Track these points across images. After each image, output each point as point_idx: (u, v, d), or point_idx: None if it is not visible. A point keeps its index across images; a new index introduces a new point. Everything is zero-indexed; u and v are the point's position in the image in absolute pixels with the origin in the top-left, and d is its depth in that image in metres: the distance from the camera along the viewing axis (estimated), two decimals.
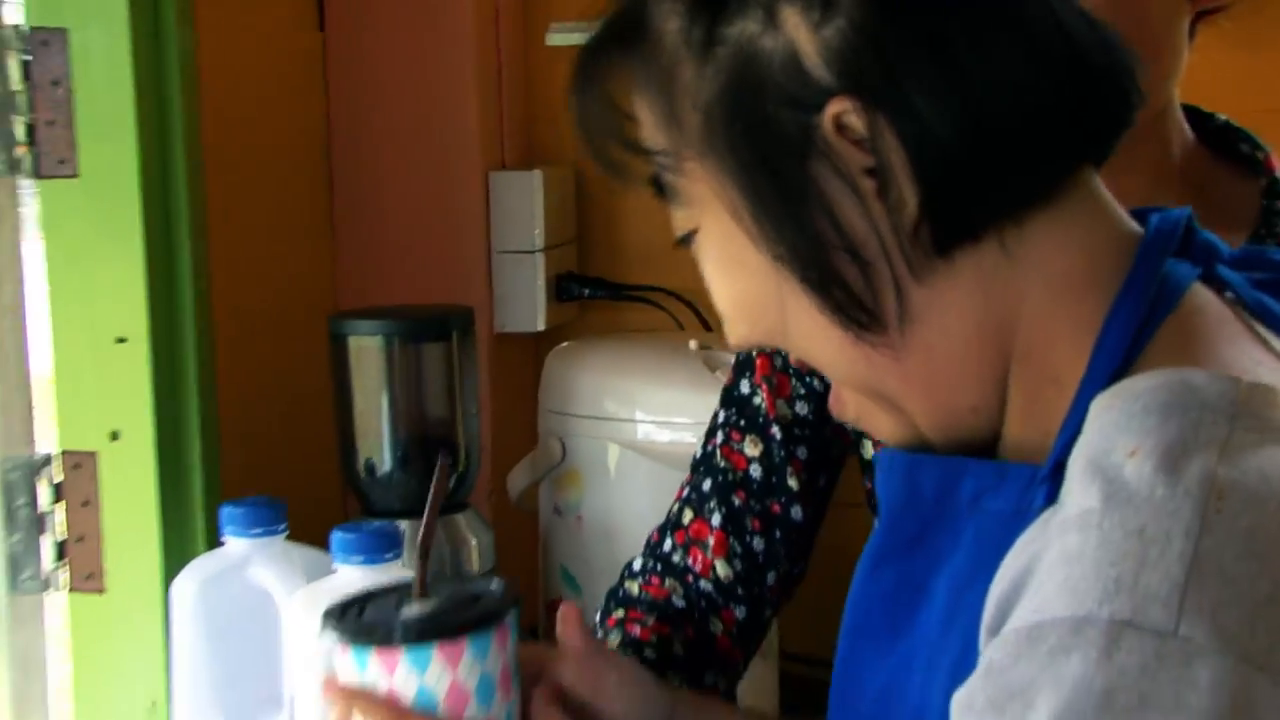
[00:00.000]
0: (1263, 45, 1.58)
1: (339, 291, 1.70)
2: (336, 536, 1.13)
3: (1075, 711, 0.56)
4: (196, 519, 1.33)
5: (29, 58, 1.23)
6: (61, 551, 1.32)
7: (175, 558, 1.30)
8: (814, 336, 0.73)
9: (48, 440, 1.33)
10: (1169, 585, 0.55)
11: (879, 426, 0.77)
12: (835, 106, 0.66)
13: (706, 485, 1.23)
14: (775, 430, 1.23)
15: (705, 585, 1.22)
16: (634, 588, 1.23)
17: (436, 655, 0.77)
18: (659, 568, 1.24)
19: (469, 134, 1.68)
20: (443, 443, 1.36)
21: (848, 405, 0.78)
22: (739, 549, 1.22)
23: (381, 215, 1.70)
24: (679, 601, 1.21)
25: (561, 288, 1.76)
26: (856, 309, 0.70)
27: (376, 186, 1.70)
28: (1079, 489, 0.61)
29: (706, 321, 1.70)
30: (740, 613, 1.22)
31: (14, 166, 1.25)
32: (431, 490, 0.85)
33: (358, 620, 0.79)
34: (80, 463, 1.29)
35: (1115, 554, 0.58)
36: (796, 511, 1.21)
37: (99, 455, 1.29)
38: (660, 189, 0.76)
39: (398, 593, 0.82)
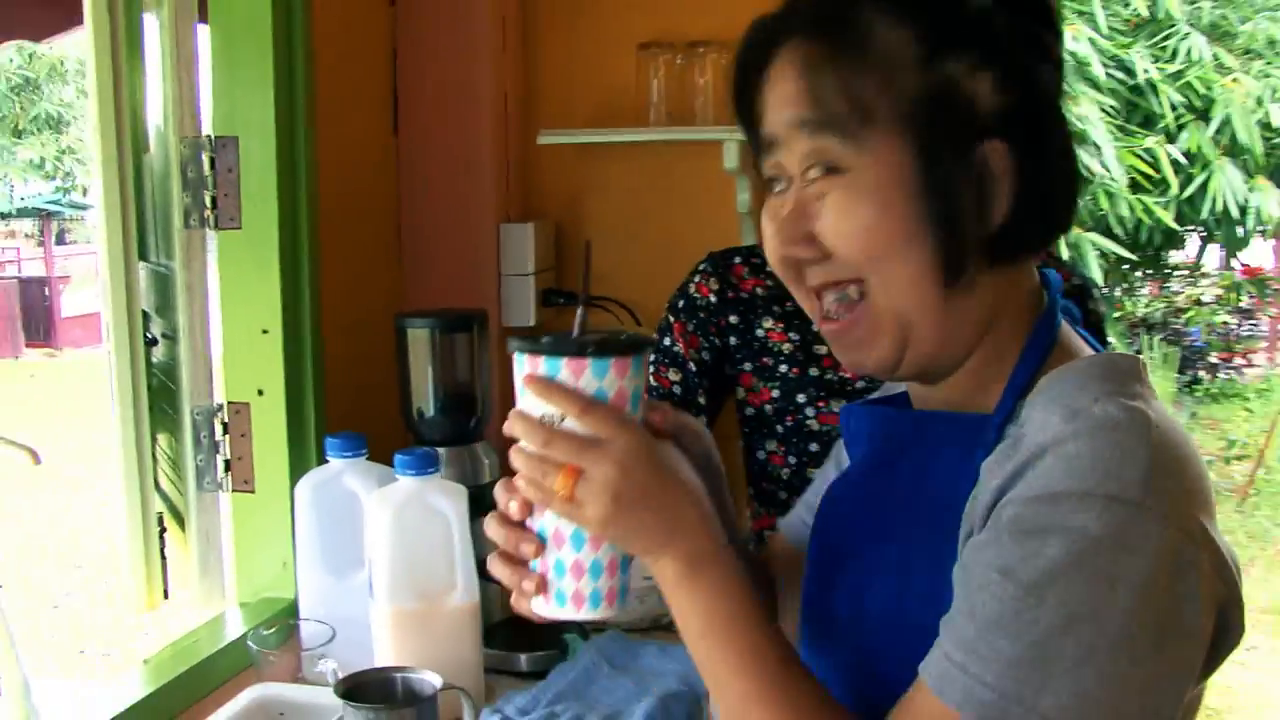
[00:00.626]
0: None
1: (403, 300, 2.28)
2: (397, 458, 1.64)
3: (1076, 550, 0.80)
4: (310, 445, 1.87)
5: (214, 155, 1.82)
6: (228, 466, 1.88)
7: (298, 470, 1.83)
8: (903, 271, 0.93)
9: (219, 394, 1.89)
10: (1140, 475, 0.81)
11: (874, 350, 0.97)
12: (991, 144, 0.91)
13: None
14: (691, 365, 1.68)
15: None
16: None
17: (612, 366, 0.93)
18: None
19: (488, 198, 2.30)
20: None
21: (857, 328, 0.97)
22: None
23: (433, 250, 2.29)
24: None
25: (546, 297, 2.37)
26: (954, 263, 0.92)
27: (430, 231, 2.30)
28: (1059, 422, 0.85)
29: (638, 319, 2.30)
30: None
31: (204, 223, 1.83)
32: (584, 262, 1.02)
33: (550, 343, 0.94)
34: (240, 409, 1.87)
35: (1103, 454, 0.82)
36: (704, 420, 1.63)
37: (251, 405, 1.86)
38: (834, 126, 0.92)
39: (564, 335, 0.96)
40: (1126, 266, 7.08)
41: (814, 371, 1.68)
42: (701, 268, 1.79)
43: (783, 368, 1.69)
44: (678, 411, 1.02)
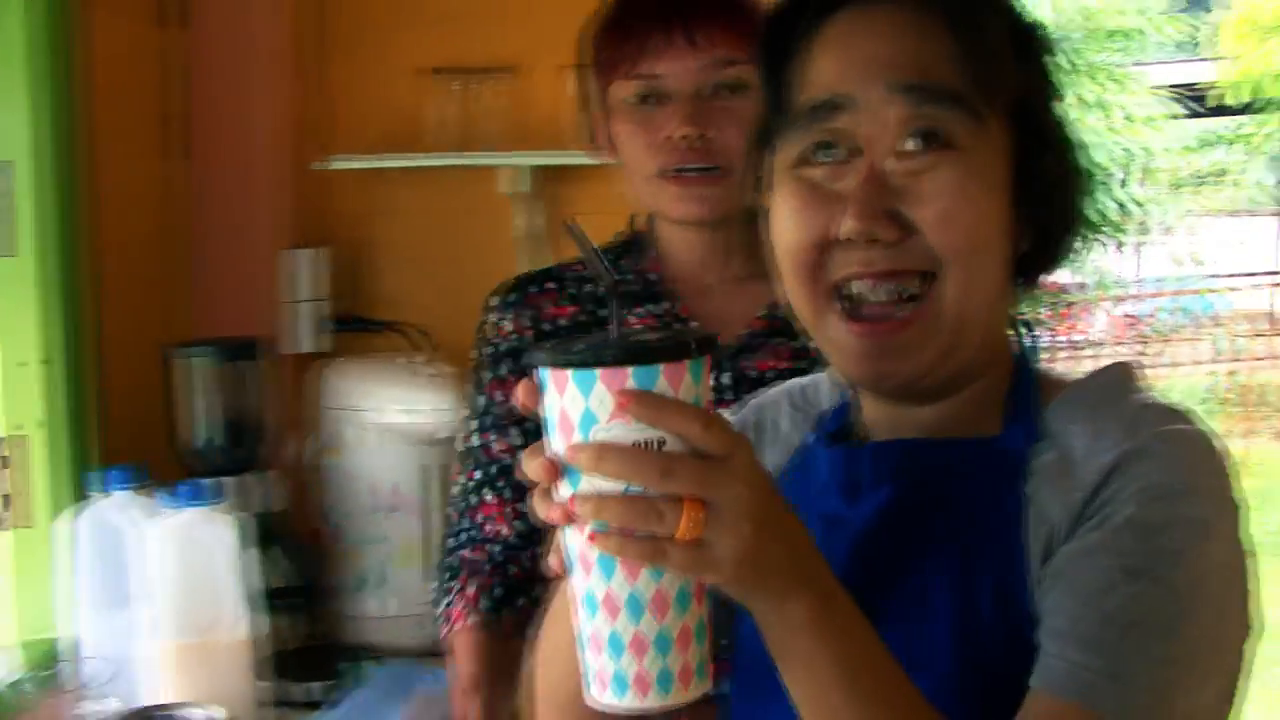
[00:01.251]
0: None
1: (189, 328, 2.20)
2: (170, 491, 1.65)
3: (1201, 544, 0.81)
4: (91, 479, 1.78)
5: None
6: (7, 502, 1.83)
7: (79, 505, 1.77)
8: (992, 268, 0.89)
9: None
10: (1226, 471, 0.85)
11: (919, 355, 0.89)
12: (1050, 155, 0.91)
13: (481, 474, 1.54)
14: (513, 429, 1.53)
15: (513, 541, 1.53)
16: (465, 554, 1.55)
17: (705, 366, 0.74)
18: (473, 538, 1.55)
19: (270, 224, 2.29)
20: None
21: (913, 327, 0.88)
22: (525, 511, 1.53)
23: (219, 277, 2.25)
24: (489, 563, 1.54)
25: (338, 323, 2.35)
26: (1026, 261, 0.91)
27: (216, 258, 2.25)
28: (1120, 431, 0.84)
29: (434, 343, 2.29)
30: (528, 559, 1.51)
31: None
32: (582, 242, 0.82)
33: (625, 349, 0.74)
34: (19, 442, 1.81)
35: (1197, 453, 0.85)
36: None
37: (29, 437, 1.82)
38: (956, 100, 0.86)
39: (607, 339, 0.77)
40: None
41: None
42: (494, 304, 1.59)
43: None
44: None
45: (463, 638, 1.51)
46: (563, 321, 1.53)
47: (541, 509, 0.75)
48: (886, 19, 0.88)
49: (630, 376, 0.72)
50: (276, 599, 1.90)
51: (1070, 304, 10.45)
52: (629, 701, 0.76)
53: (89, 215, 1.85)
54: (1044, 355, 0.96)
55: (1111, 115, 7.33)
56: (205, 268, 2.26)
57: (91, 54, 1.85)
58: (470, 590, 1.52)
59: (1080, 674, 0.79)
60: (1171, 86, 8.99)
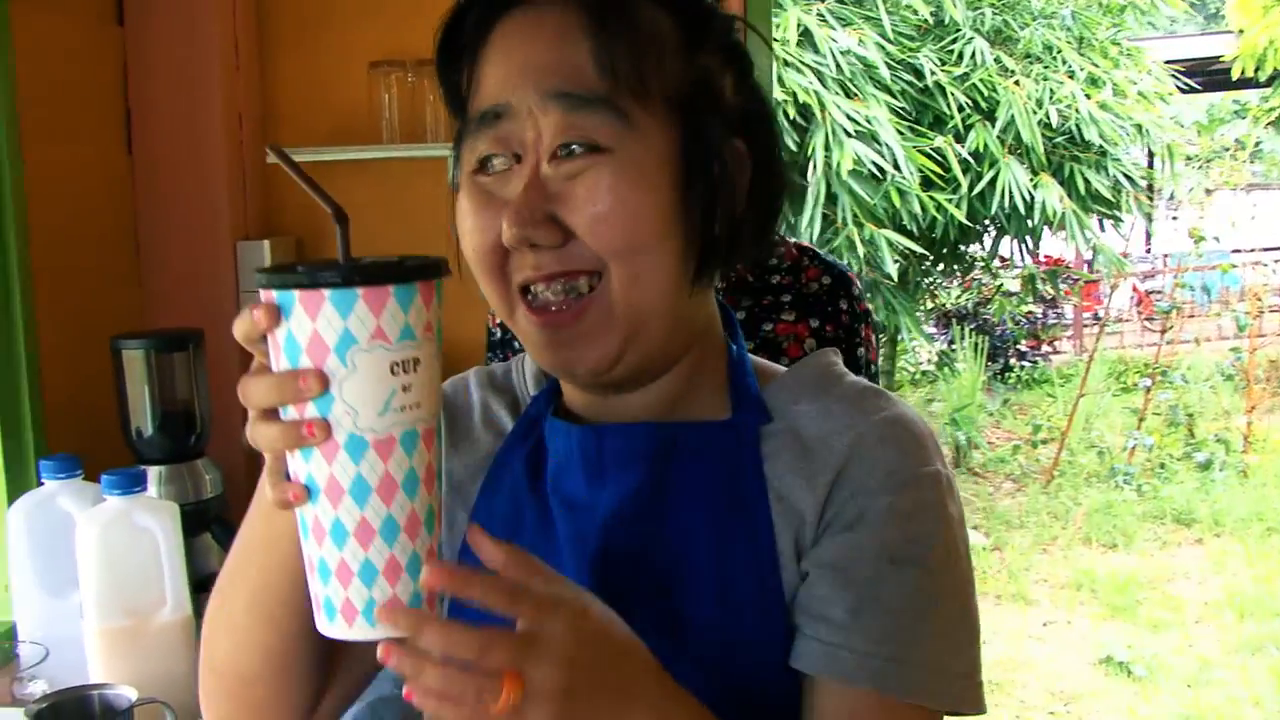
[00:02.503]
0: None
1: (143, 319, 2.29)
2: (104, 477, 1.64)
3: (944, 522, 0.89)
4: (30, 468, 1.89)
5: None
6: None
7: (14, 493, 1.85)
8: (662, 262, 0.88)
9: None
10: (936, 441, 0.94)
11: (597, 346, 0.90)
12: (736, 141, 0.92)
13: None
14: None
15: None
16: None
17: (418, 293, 0.73)
18: None
19: (222, 216, 2.34)
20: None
21: (584, 321, 0.89)
22: None
23: (171, 269, 2.32)
24: None
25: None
26: (699, 259, 0.90)
27: (168, 250, 2.33)
28: (847, 411, 0.92)
29: None
30: None
31: None
32: (297, 175, 0.79)
33: (328, 271, 0.72)
34: None
35: (918, 434, 0.92)
36: None
37: None
38: (601, 103, 0.86)
39: (326, 261, 0.76)
40: (929, 261, 7.34)
41: None
42: None
43: None
44: None
45: None
46: None
47: (276, 433, 0.73)
48: (541, 24, 0.88)
49: (391, 295, 0.72)
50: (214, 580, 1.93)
51: (1090, 281, 10.42)
52: (380, 632, 0.74)
53: (19, 207, 1.89)
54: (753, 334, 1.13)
55: (1123, 91, 7.28)
56: (157, 260, 2.32)
57: (16, 53, 1.87)
58: None
59: (869, 663, 0.86)
60: (1183, 61, 8.95)
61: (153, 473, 1.86)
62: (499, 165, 0.90)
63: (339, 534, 0.73)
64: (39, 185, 1.95)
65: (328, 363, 0.72)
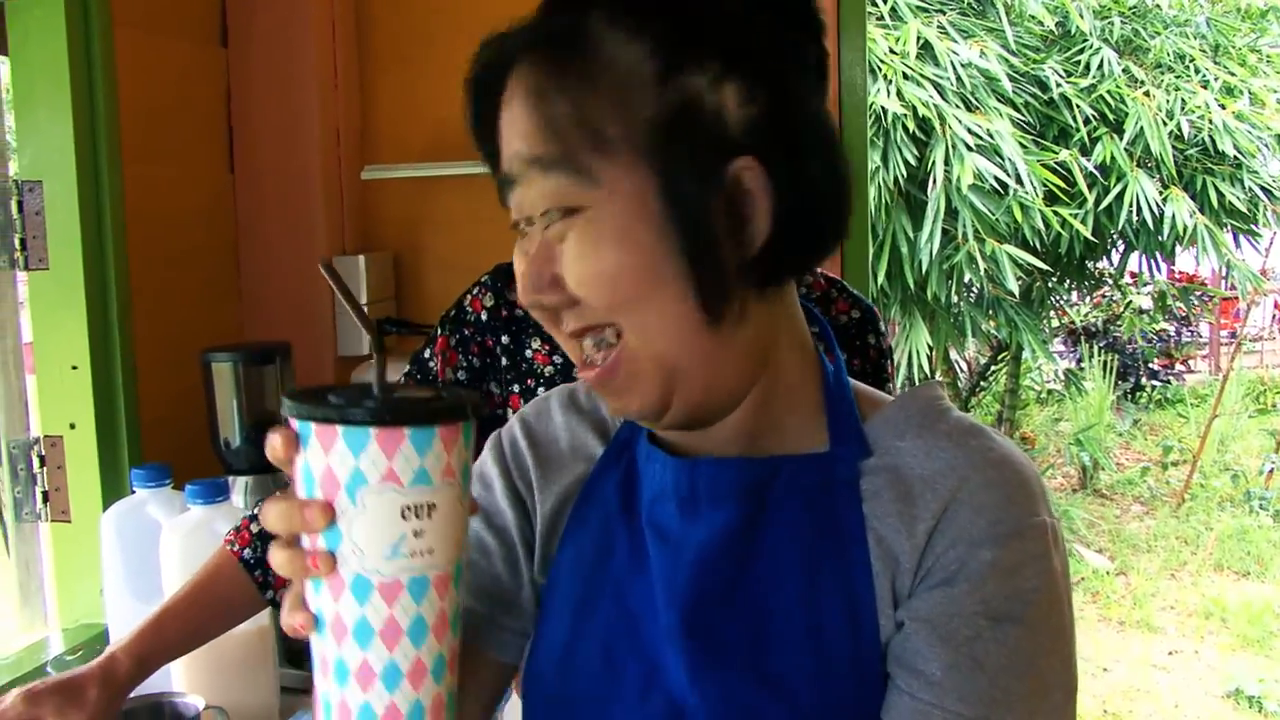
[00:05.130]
0: None
1: (240, 333, 2.34)
2: (188, 487, 1.69)
3: (1048, 578, 0.83)
4: (123, 476, 1.94)
5: (21, 198, 1.89)
6: (46, 497, 1.95)
7: (111, 500, 1.89)
8: (660, 313, 0.84)
9: (36, 428, 1.96)
10: (1042, 487, 0.87)
11: (636, 396, 0.87)
12: (741, 162, 0.82)
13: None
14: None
15: None
16: None
17: (438, 436, 0.71)
18: None
19: (319, 233, 2.38)
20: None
21: (618, 374, 0.86)
22: None
23: (270, 284, 2.37)
24: None
25: (381, 327, 2.40)
26: (708, 301, 0.83)
27: (267, 266, 2.37)
28: (951, 449, 0.86)
29: None
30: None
31: (14, 264, 1.90)
32: (343, 294, 0.82)
33: (344, 404, 0.71)
34: (54, 442, 1.94)
35: (1025, 479, 0.85)
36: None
37: (64, 438, 1.94)
38: (561, 165, 0.82)
39: (359, 387, 0.75)
40: (1054, 278, 7.16)
41: None
42: (483, 280, 1.67)
43: (541, 390, 1.55)
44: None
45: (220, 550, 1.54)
46: (519, 311, 1.59)
47: (285, 559, 0.73)
48: (524, 82, 0.85)
49: (407, 438, 0.70)
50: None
51: (1228, 298, 10.08)
52: None
53: (117, 228, 1.95)
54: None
55: (1262, 100, 7.02)
56: (255, 276, 2.37)
57: (118, 73, 1.93)
58: None
59: None
60: None
61: (239, 483, 1.90)
62: (524, 227, 0.89)
63: (341, 672, 0.72)
64: (140, 203, 2.01)
65: (338, 499, 0.70)
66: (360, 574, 0.71)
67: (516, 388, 1.62)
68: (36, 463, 1.94)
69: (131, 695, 1.62)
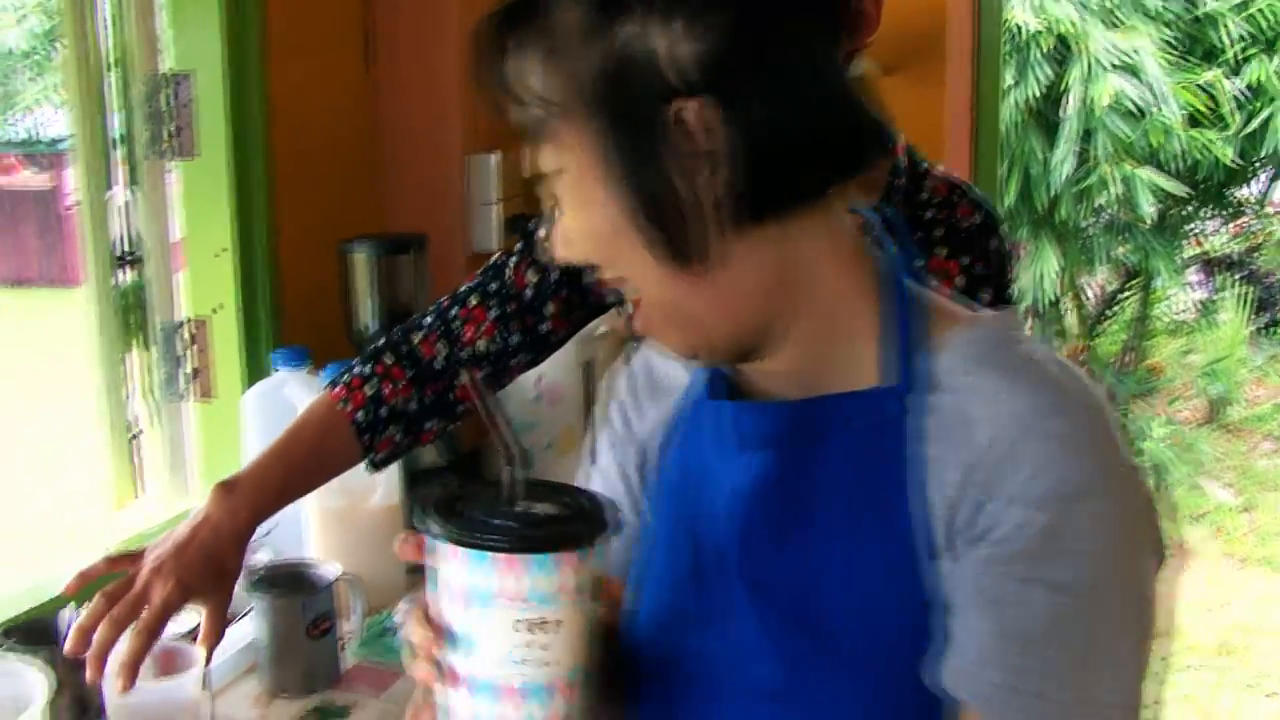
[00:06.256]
0: None
1: (378, 224, 2.39)
2: (326, 370, 1.74)
3: (1103, 539, 0.78)
4: (263, 357, 2.03)
5: (173, 90, 1.98)
6: (192, 375, 2.06)
7: (250, 379, 2.01)
8: (639, 266, 0.84)
9: (184, 311, 2.07)
10: (1117, 434, 0.81)
11: (668, 341, 0.89)
12: (678, 103, 0.79)
13: (493, 286, 1.57)
14: (553, 274, 1.55)
15: (464, 354, 1.55)
16: (416, 338, 1.55)
17: (561, 563, 0.75)
18: (441, 329, 1.55)
19: (455, 130, 2.42)
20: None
21: (645, 323, 0.88)
22: (500, 338, 1.55)
23: (406, 178, 2.43)
24: (439, 364, 1.54)
25: (512, 224, 2.46)
26: (673, 249, 0.82)
27: (403, 161, 2.43)
28: (1006, 388, 0.80)
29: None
30: (482, 375, 1.47)
31: (165, 152, 1.99)
32: (481, 404, 0.84)
33: (468, 521, 0.75)
34: (201, 323, 2.04)
35: (1086, 428, 0.80)
36: (546, 327, 1.57)
37: (210, 319, 2.04)
38: (537, 134, 0.84)
39: (484, 495, 0.79)
40: (1191, 204, 6.95)
41: None
42: None
43: None
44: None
45: (327, 404, 1.53)
46: None
47: (419, 669, 0.80)
48: (509, 57, 0.85)
49: (526, 563, 0.74)
50: (429, 475, 2.05)
51: None
52: None
53: (263, 119, 2.02)
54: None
55: None
56: (391, 171, 2.43)
57: None
58: (390, 385, 1.52)
59: (998, 691, 0.79)
60: None
61: None
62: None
63: None
64: (283, 100, 2.08)
65: (462, 609, 0.76)
66: (485, 680, 0.76)
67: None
68: (183, 344, 2.05)
69: (278, 559, 1.73)
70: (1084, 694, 0.79)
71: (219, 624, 1.36)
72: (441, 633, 0.78)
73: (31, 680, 1.35)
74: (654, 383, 1.05)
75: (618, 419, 1.07)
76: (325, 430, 1.51)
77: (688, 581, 0.94)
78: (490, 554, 0.74)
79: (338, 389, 1.53)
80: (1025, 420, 0.79)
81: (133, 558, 1.35)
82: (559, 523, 0.77)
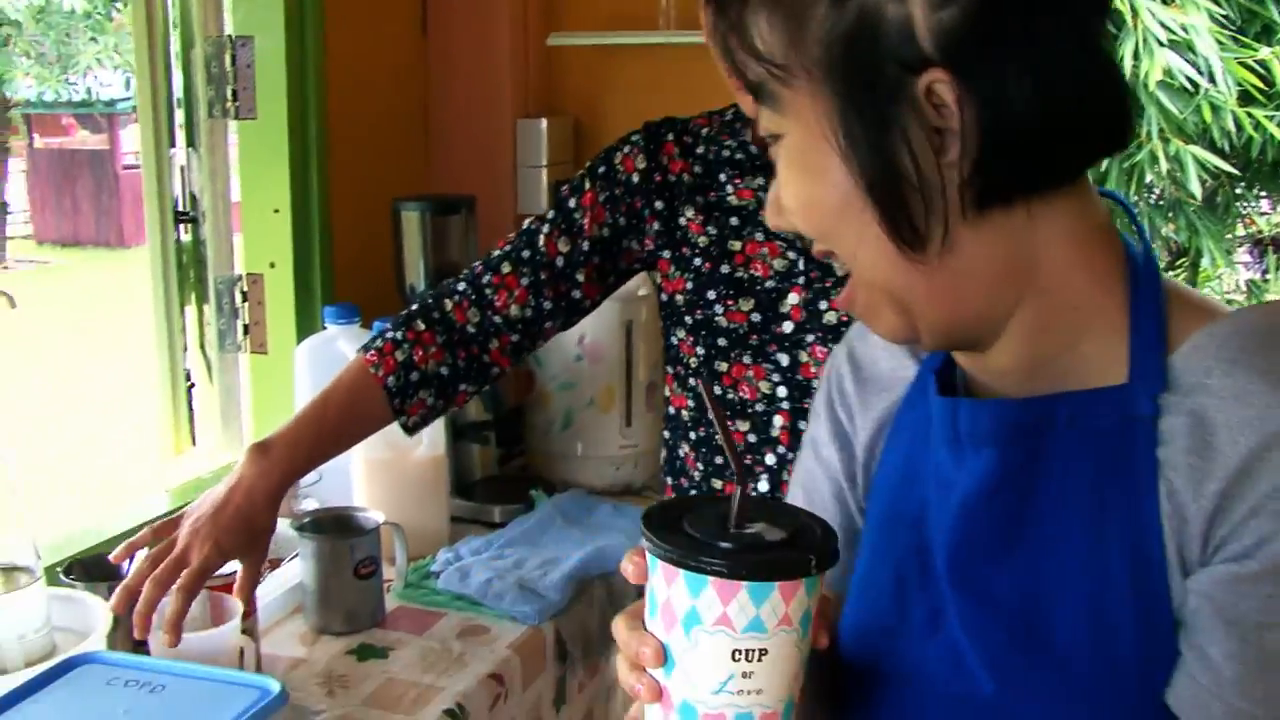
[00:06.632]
0: None
1: (427, 185, 2.48)
2: (376, 324, 1.82)
3: None
4: (316, 313, 2.10)
5: (234, 53, 2.04)
6: (246, 330, 2.14)
7: (302, 334, 2.08)
8: (866, 242, 0.79)
9: (240, 267, 2.15)
10: None
11: (881, 321, 0.83)
12: (931, 75, 0.73)
13: (525, 254, 1.62)
14: (584, 242, 1.60)
15: (497, 319, 1.59)
16: (448, 304, 1.60)
17: (777, 590, 0.73)
18: (473, 295, 1.60)
19: (506, 95, 2.50)
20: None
21: (857, 301, 0.84)
22: (532, 304, 1.60)
23: (457, 141, 2.51)
24: (471, 328, 1.59)
25: (559, 187, 2.52)
26: (908, 230, 0.77)
27: (455, 125, 2.51)
28: (1262, 394, 0.72)
29: None
30: (514, 338, 1.61)
31: (226, 113, 2.06)
32: (713, 415, 0.81)
33: (688, 542, 0.74)
34: (256, 280, 2.12)
35: None
36: (578, 293, 1.62)
37: (265, 276, 2.12)
38: (759, 94, 0.81)
39: (708, 511, 0.77)
40: (1242, 183, 6.89)
41: (725, 269, 1.58)
42: (634, 139, 1.66)
43: (697, 260, 1.60)
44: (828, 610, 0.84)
45: (360, 368, 1.58)
46: (672, 177, 1.62)
47: (630, 679, 0.78)
48: (727, 22, 0.83)
49: (744, 589, 0.72)
50: (472, 430, 2.13)
51: None
52: None
53: (319, 84, 2.09)
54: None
55: None
56: (443, 134, 2.51)
57: None
58: (420, 351, 1.57)
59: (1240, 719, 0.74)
60: None
61: None
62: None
63: None
64: (340, 61, 2.14)
65: (674, 630, 0.75)
66: (688, 700, 0.75)
67: (667, 254, 1.64)
68: (239, 298, 2.13)
69: (324, 506, 1.80)
70: None
71: (254, 578, 1.46)
72: (652, 647, 0.76)
73: (94, 609, 1.44)
74: (875, 377, 0.99)
75: (842, 414, 1.01)
76: (356, 394, 1.57)
77: (900, 586, 0.89)
78: (710, 578, 0.72)
79: (370, 354, 1.58)
80: (1274, 424, 0.72)
81: (173, 523, 1.44)
82: (781, 549, 0.74)
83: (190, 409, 2.14)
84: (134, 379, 7.93)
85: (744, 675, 0.73)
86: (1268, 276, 8.57)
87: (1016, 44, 0.74)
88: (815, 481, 1.03)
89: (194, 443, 2.16)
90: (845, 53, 0.76)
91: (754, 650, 0.73)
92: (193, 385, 2.14)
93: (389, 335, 1.58)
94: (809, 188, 0.80)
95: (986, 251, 0.79)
